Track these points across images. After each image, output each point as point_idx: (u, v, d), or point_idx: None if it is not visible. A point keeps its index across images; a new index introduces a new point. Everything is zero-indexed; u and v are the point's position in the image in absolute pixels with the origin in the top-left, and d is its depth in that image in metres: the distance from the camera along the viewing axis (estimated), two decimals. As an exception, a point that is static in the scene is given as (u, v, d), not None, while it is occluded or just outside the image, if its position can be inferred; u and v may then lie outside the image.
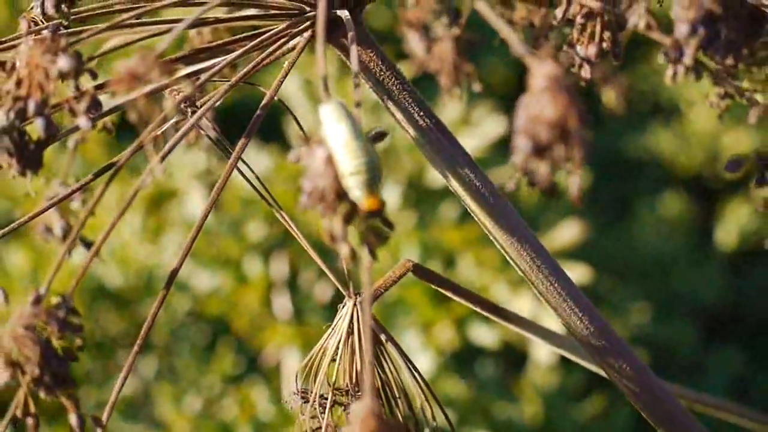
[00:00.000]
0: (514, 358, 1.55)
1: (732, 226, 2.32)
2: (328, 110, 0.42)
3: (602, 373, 0.59)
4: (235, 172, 1.47)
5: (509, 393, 1.48)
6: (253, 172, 0.62)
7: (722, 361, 1.99)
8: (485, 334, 1.38)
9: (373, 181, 0.40)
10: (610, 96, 1.08)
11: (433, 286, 0.65)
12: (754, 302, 2.20)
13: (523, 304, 1.35)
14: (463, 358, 1.47)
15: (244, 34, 0.53)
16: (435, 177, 1.45)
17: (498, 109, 1.51)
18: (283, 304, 1.50)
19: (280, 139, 1.56)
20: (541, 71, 0.38)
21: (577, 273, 1.42)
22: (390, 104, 0.51)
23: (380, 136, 0.41)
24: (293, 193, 1.47)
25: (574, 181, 0.39)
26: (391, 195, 1.44)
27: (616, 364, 0.52)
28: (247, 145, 1.49)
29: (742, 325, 2.18)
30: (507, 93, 2.28)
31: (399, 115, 0.50)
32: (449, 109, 1.47)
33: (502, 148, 1.42)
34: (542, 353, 1.40)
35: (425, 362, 1.40)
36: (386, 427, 0.40)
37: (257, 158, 1.52)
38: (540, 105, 0.38)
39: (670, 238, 2.23)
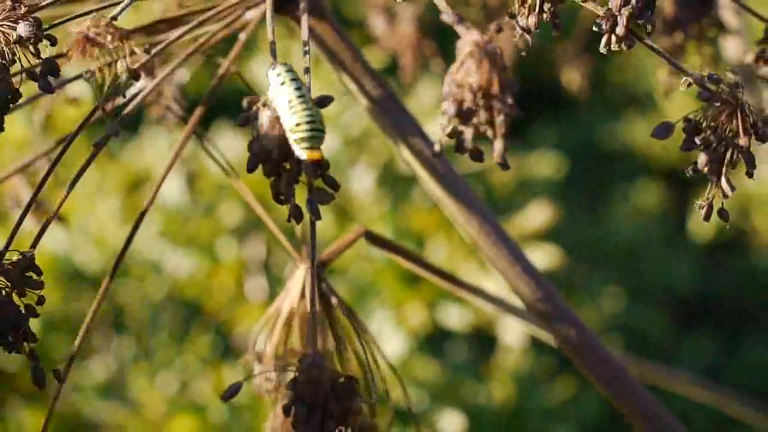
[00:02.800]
0: (484, 341, 1.57)
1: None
2: (275, 73, 0.43)
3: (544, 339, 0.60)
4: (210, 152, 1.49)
5: (480, 375, 1.50)
6: (219, 162, 0.63)
7: (695, 348, 2.01)
8: (455, 317, 1.40)
9: (315, 135, 0.42)
10: (572, 78, 1.10)
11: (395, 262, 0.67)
12: (727, 291, 2.22)
13: (493, 285, 1.37)
14: (433, 341, 1.49)
15: (203, 8, 0.54)
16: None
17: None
18: (258, 286, 1.51)
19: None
20: (467, 38, 0.40)
21: (549, 256, 1.44)
22: (344, 75, 0.52)
23: (325, 99, 0.43)
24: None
25: (498, 145, 0.40)
26: (366, 179, 1.46)
27: (563, 329, 0.54)
28: (224, 130, 1.50)
29: (715, 314, 2.20)
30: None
31: (352, 86, 0.52)
32: (424, 93, 1.49)
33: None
34: (511, 336, 1.42)
35: (397, 344, 1.41)
36: (330, 377, 0.42)
37: (233, 142, 1.54)
38: (465, 71, 0.39)
39: (645, 227, 2.25)
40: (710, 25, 0.56)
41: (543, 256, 1.40)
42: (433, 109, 1.46)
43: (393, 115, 0.52)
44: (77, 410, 1.55)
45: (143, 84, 0.47)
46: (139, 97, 0.45)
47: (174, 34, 0.49)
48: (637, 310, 1.97)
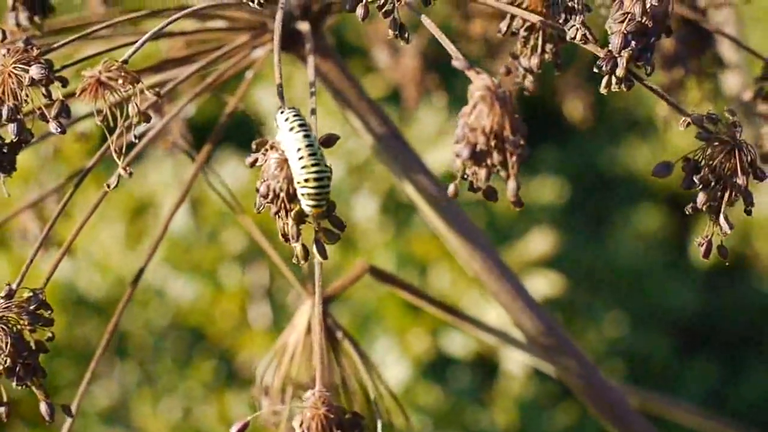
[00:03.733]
0: (486, 367, 1.57)
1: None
2: (283, 117, 0.44)
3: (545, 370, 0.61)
4: (215, 183, 1.50)
5: (483, 402, 1.50)
6: (223, 197, 0.64)
7: (697, 373, 2.01)
8: (458, 344, 1.41)
9: (322, 193, 0.43)
10: (575, 107, 1.11)
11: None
12: (729, 316, 2.22)
13: (495, 315, 1.37)
14: (436, 368, 1.49)
15: (211, 47, 0.55)
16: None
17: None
18: (262, 313, 1.52)
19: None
20: (478, 83, 0.41)
21: (551, 283, 1.44)
22: (348, 113, 0.53)
23: (330, 139, 0.44)
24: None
25: (511, 186, 0.41)
26: (369, 207, 1.46)
27: (564, 361, 0.55)
28: (228, 157, 1.51)
29: (717, 339, 2.21)
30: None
31: (356, 124, 0.53)
32: (426, 122, 1.50)
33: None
34: (514, 363, 1.42)
35: (400, 371, 1.42)
36: (336, 413, 0.43)
37: (237, 170, 1.54)
38: (477, 114, 0.40)
39: (646, 252, 2.26)
40: (710, 60, 0.57)
41: (545, 283, 1.40)
42: (434, 138, 1.47)
43: (396, 152, 0.53)
44: (81, 437, 1.56)
45: (152, 122, 0.48)
46: (148, 136, 0.46)
47: (183, 73, 0.49)
48: (639, 336, 1.98)
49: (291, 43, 0.53)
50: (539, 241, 1.52)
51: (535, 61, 0.47)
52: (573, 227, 2.06)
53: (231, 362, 1.61)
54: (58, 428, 0.64)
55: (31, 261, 0.49)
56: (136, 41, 0.48)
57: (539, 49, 0.47)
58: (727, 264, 1.78)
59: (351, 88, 0.55)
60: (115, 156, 0.44)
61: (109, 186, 0.47)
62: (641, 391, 0.59)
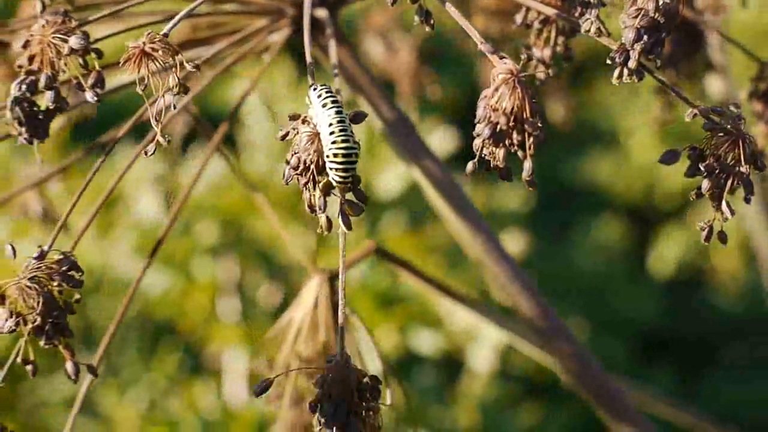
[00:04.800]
0: (452, 366, 1.59)
1: (667, 252, 2.38)
2: (316, 94, 0.46)
3: (546, 361, 0.63)
4: (189, 177, 1.51)
5: (446, 401, 1.52)
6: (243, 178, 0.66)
7: (656, 382, 2.04)
8: (426, 342, 1.43)
9: (351, 167, 0.45)
10: (556, 110, 1.13)
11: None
12: (688, 327, 2.25)
13: (465, 313, 1.39)
14: (402, 365, 1.51)
15: (225, 31, 0.57)
16: (384, 187, 1.49)
17: (446, 124, 1.55)
18: (231, 306, 1.53)
19: (234, 147, 1.60)
20: (501, 67, 0.43)
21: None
22: (361, 99, 0.55)
23: (358, 116, 0.46)
24: (246, 199, 1.51)
25: (527, 166, 0.43)
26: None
27: (558, 344, 0.57)
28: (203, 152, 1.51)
29: (676, 349, 2.24)
30: (456, 111, 2.33)
31: (368, 109, 0.55)
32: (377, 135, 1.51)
33: (452, 162, 1.46)
34: (480, 361, 1.44)
35: (368, 367, 1.43)
36: (356, 374, 0.45)
37: (211, 165, 1.56)
38: (499, 96, 0.42)
39: (607, 262, 2.28)
40: (700, 63, 0.60)
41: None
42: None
43: (406, 137, 0.55)
44: (46, 426, 1.56)
45: (173, 100, 0.49)
46: (173, 112, 0.48)
47: (207, 52, 0.51)
48: (599, 343, 2.00)
49: (310, 28, 0.55)
50: (507, 245, 1.54)
51: (547, 53, 0.49)
52: (536, 235, 2.08)
53: (199, 354, 1.62)
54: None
55: (61, 226, 0.51)
56: (158, 18, 0.50)
57: (552, 41, 0.49)
58: (687, 272, 1.81)
59: (363, 74, 0.57)
60: (153, 123, 0.46)
61: (147, 153, 0.49)
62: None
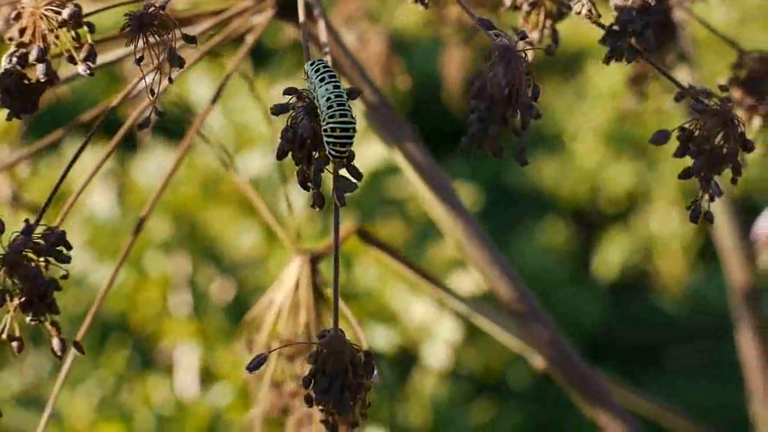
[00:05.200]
0: (406, 363, 1.59)
1: (611, 255, 2.40)
2: (314, 68, 0.46)
3: (511, 344, 0.63)
4: (142, 172, 1.50)
5: (401, 398, 1.53)
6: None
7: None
8: (381, 338, 1.43)
9: (348, 141, 0.45)
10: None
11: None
12: (631, 330, 2.27)
13: (418, 310, 1.40)
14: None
15: (214, 10, 0.57)
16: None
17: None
18: (182, 300, 1.53)
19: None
20: (497, 43, 0.43)
21: (464, 286, 1.47)
22: (343, 80, 0.55)
23: (353, 92, 0.46)
24: (198, 194, 1.51)
25: (522, 140, 0.44)
26: (298, 199, 1.48)
27: (535, 328, 0.57)
28: (155, 146, 1.51)
29: (619, 351, 2.25)
30: (405, 114, 2.34)
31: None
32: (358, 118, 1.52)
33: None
34: (434, 358, 1.45)
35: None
36: (350, 349, 0.45)
37: (164, 159, 1.55)
38: (495, 72, 0.43)
39: (551, 266, 2.30)
40: (672, 53, 0.60)
41: (458, 286, 1.42)
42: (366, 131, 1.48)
43: (388, 120, 0.55)
44: (-4, 421, 1.55)
45: (156, 79, 0.49)
46: (158, 93, 0.48)
47: (190, 33, 0.51)
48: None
49: (293, 12, 0.55)
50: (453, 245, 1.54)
51: (535, 36, 0.50)
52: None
53: (151, 350, 1.61)
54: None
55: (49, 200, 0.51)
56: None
57: (540, 24, 0.50)
58: (631, 275, 1.82)
59: (345, 57, 0.57)
60: (148, 94, 0.45)
61: (140, 126, 0.49)
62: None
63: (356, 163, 1.23)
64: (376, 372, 0.51)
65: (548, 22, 0.50)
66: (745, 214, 0.92)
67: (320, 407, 0.48)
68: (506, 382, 1.74)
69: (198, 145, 1.59)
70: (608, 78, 2.51)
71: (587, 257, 2.42)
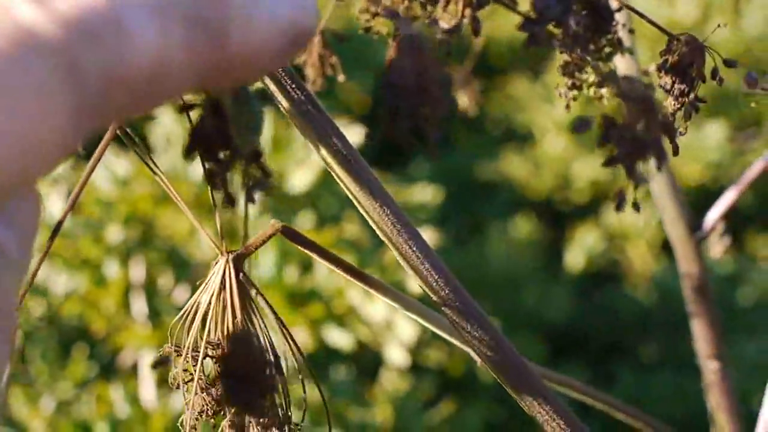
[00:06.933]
0: (368, 362, 1.58)
1: (580, 249, 2.40)
2: None
3: (462, 344, 0.62)
4: (96, 176, 1.48)
5: (362, 397, 1.52)
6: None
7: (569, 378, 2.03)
8: (341, 338, 1.42)
9: (253, 130, 0.44)
10: (461, 100, 1.13)
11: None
12: (600, 322, 2.27)
13: (377, 310, 1.39)
14: (318, 362, 1.50)
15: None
16: (294, 184, 1.48)
17: (355, 123, 1.55)
18: (140, 306, 1.52)
19: (144, 144, 1.58)
20: (405, 31, 0.42)
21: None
22: (265, 77, 0.54)
23: (260, 95, 0.45)
24: (152, 196, 1.49)
25: (432, 133, 0.42)
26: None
27: (469, 326, 0.56)
28: (107, 150, 1.51)
29: (589, 344, 2.25)
30: (363, 113, 2.34)
31: (272, 87, 0.53)
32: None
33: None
34: (396, 355, 1.44)
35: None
36: (259, 349, 0.44)
37: (117, 162, 1.54)
38: (404, 62, 0.41)
39: (520, 258, 2.30)
40: (607, 43, 0.59)
41: (415, 283, 1.41)
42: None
43: (311, 116, 0.54)
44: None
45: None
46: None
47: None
48: (512, 340, 1.99)
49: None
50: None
51: (454, 23, 0.48)
52: (449, 232, 2.09)
53: (110, 355, 1.60)
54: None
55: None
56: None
57: (459, 14, 0.48)
58: (600, 268, 1.81)
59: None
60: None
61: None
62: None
63: (311, 162, 1.20)
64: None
65: (467, 11, 0.48)
66: (711, 202, 0.91)
67: (230, 408, 0.47)
68: (470, 378, 1.73)
69: (156, 147, 1.58)
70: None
71: (557, 252, 2.42)
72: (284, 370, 0.50)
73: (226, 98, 0.42)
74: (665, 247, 2.37)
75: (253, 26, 0.37)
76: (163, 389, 1.45)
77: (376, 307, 1.38)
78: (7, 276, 0.35)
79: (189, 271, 1.55)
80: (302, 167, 1.50)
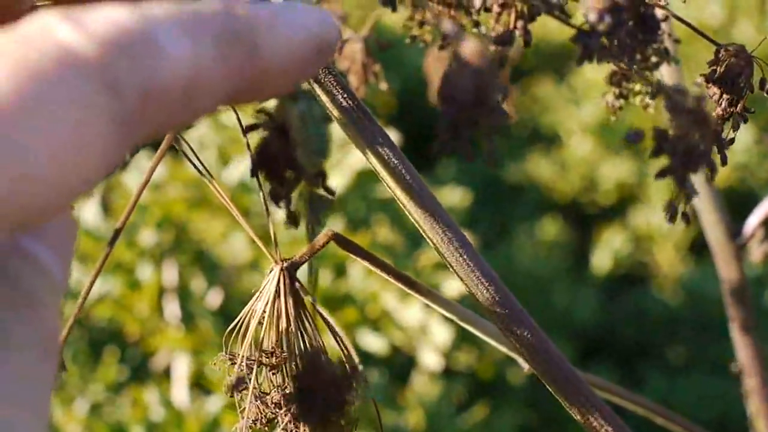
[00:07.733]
0: (401, 366, 1.59)
1: (606, 251, 2.40)
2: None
3: (502, 347, 0.63)
4: (129, 178, 1.49)
5: (395, 401, 1.52)
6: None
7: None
8: (375, 342, 1.42)
9: (319, 153, 0.44)
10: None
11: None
12: (627, 324, 2.27)
13: (411, 313, 1.39)
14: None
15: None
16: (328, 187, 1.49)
17: (386, 126, 1.56)
18: (173, 309, 1.52)
19: (172, 148, 1.59)
20: (466, 46, 0.42)
21: (458, 284, 1.46)
22: (315, 86, 0.54)
23: (326, 117, 0.45)
24: (185, 200, 1.50)
25: (490, 145, 0.43)
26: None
27: (518, 331, 0.56)
28: (141, 153, 1.50)
29: (615, 346, 2.25)
30: (389, 115, 2.34)
31: (324, 98, 0.54)
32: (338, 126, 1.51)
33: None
34: (430, 359, 1.44)
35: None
36: (331, 366, 0.44)
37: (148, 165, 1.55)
38: (463, 75, 0.42)
39: (547, 260, 2.30)
40: (653, 53, 0.59)
41: (451, 285, 1.42)
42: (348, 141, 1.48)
43: (362, 125, 0.54)
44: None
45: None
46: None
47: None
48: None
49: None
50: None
51: (508, 36, 0.49)
52: (477, 234, 2.09)
53: (144, 357, 1.61)
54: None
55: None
56: None
57: (512, 25, 0.49)
58: (628, 269, 1.81)
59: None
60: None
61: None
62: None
63: (342, 166, 1.21)
64: (364, 384, 0.50)
65: (519, 23, 0.49)
66: (747, 206, 0.91)
67: (304, 425, 0.47)
68: (502, 382, 1.74)
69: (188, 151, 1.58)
70: (602, 74, 2.52)
71: (585, 254, 2.42)
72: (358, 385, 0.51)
73: (293, 120, 0.43)
74: (692, 249, 2.38)
75: (280, 39, 0.38)
76: (196, 392, 1.46)
77: (411, 311, 1.38)
78: (53, 298, 0.35)
79: (220, 275, 1.56)
80: (333, 171, 1.51)
